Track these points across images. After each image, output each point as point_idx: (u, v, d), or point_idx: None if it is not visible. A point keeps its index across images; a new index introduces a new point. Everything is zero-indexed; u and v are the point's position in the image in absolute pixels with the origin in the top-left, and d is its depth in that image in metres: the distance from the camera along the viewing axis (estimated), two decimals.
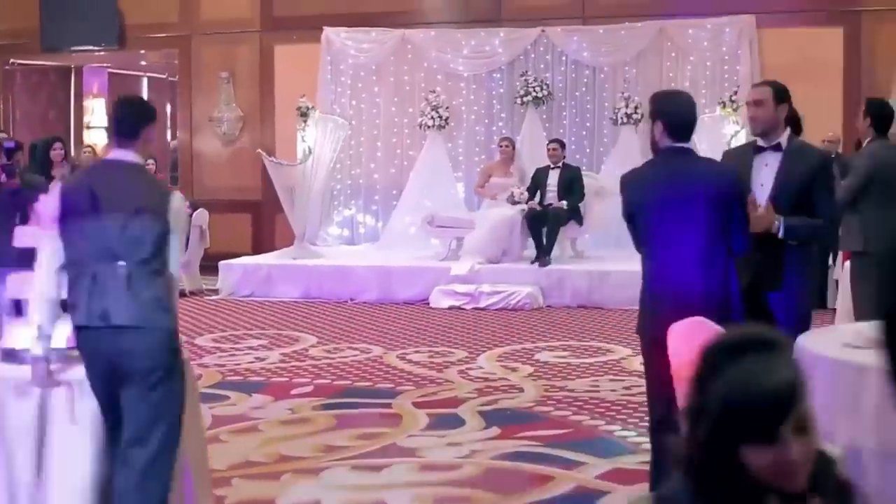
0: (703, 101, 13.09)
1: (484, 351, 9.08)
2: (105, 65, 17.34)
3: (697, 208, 4.55)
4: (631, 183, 4.86)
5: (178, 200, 4.29)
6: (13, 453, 4.30)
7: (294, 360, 8.86)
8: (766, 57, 12.89)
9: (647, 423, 6.48)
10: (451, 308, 11.44)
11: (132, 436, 4.12)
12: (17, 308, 4.89)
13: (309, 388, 7.79)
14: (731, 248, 4.61)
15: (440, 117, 13.38)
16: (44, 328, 4.17)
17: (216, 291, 12.76)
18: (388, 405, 7.26)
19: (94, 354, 4.17)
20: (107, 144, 15.08)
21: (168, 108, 17.27)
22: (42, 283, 4.19)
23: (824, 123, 12.65)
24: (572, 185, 11.93)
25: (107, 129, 16.10)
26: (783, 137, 5.03)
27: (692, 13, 13.18)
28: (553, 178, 12.08)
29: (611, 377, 8.07)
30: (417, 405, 7.23)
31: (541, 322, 10.55)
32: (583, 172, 12.34)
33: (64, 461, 4.27)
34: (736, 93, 11.75)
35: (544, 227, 11.79)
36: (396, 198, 14.21)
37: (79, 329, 4.17)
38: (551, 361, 8.69)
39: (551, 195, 12.00)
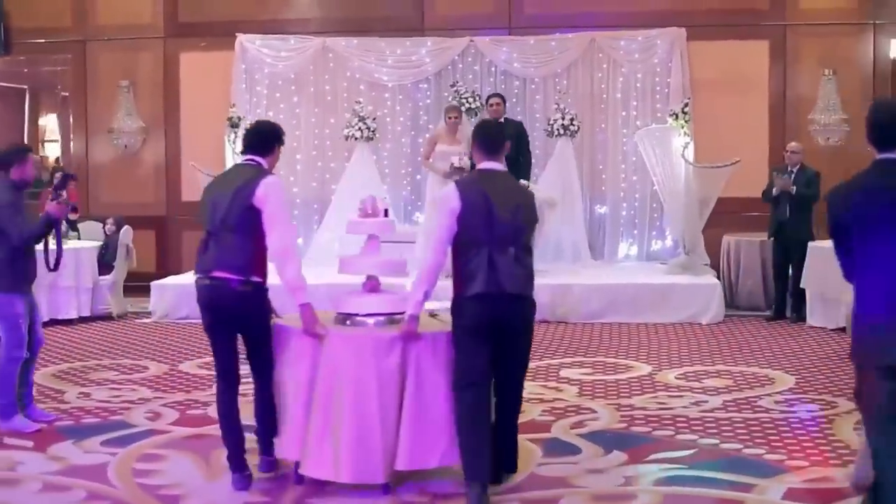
0: (635, 113, 13.25)
1: None
2: None
3: None
4: (842, 198, 4.43)
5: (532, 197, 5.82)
6: (383, 391, 5.46)
7: None
8: (695, 69, 13.08)
9: (761, 441, 6.47)
10: None
11: (509, 376, 5.62)
12: None
13: None
14: None
15: (367, 128, 12.93)
16: (428, 293, 5.45)
17: (147, 314, 11.90)
18: None
19: (486, 315, 5.35)
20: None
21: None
22: (431, 257, 5.46)
23: (750, 133, 13.02)
24: (518, 142, 11.26)
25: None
26: None
27: (620, 25, 13.24)
28: None
29: (668, 394, 7.92)
30: None
31: None
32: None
33: (425, 397, 5.50)
34: (687, 105, 11.81)
35: None
36: (318, 212, 13.67)
37: (478, 295, 5.32)
38: (583, 379, 8.48)
39: None
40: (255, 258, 5.55)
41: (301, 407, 5.59)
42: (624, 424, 7.04)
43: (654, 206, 13.21)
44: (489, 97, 12.17)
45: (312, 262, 12.87)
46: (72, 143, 14.32)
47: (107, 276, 11.91)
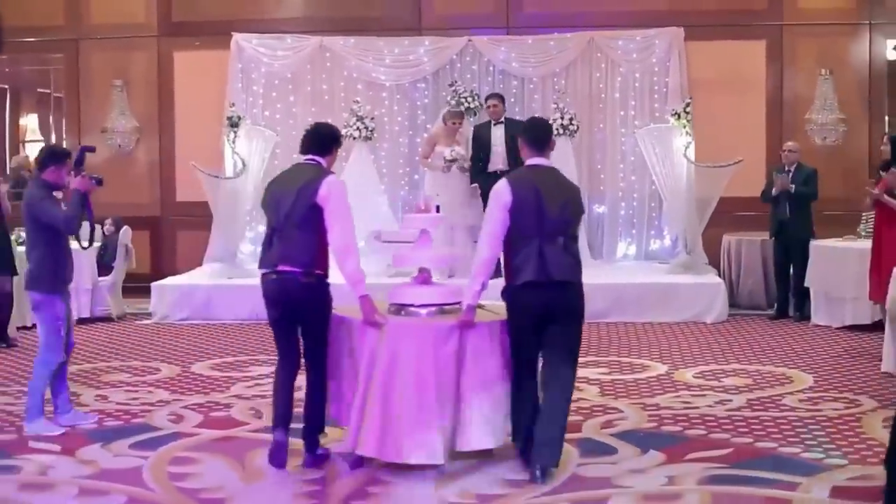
0: (633, 112, 13.26)
1: None
2: None
3: None
4: None
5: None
6: (441, 376, 5.75)
7: None
8: (692, 69, 13.10)
9: (794, 439, 6.48)
10: None
11: (559, 359, 5.81)
12: None
13: None
14: None
15: (366, 128, 12.84)
16: (485, 284, 5.78)
17: (147, 315, 11.79)
18: None
19: (537, 301, 5.71)
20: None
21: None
22: (486, 250, 5.79)
23: (748, 133, 13.07)
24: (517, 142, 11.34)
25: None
26: None
27: (618, 25, 13.24)
28: (498, 136, 11.57)
29: (691, 393, 7.92)
30: None
31: None
32: None
33: (481, 383, 5.83)
34: (689, 104, 11.82)
35: None
36: None
37: (529, 283, 5.68)
38: (602, 378, 8.47)
39: (498, 155, 11.50)
40: (318, 253, 5.84)
41: (363, 394, 5.82)
42: (654, 424, 7.03)
43: (653, 206, 13.24)
44: (487, 98, 12.14)
45: None
46: (64, 143, 14.11)
47: (106, 277, 11.78)
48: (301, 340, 6.06)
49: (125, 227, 12.07)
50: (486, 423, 5.85)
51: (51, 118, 14.28)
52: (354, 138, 12.83)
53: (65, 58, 14.01)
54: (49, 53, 14.07)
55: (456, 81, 13.12)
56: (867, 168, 13.21)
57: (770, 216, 11.57)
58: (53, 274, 6.86)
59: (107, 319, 11.71)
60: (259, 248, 12.98)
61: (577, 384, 7.98)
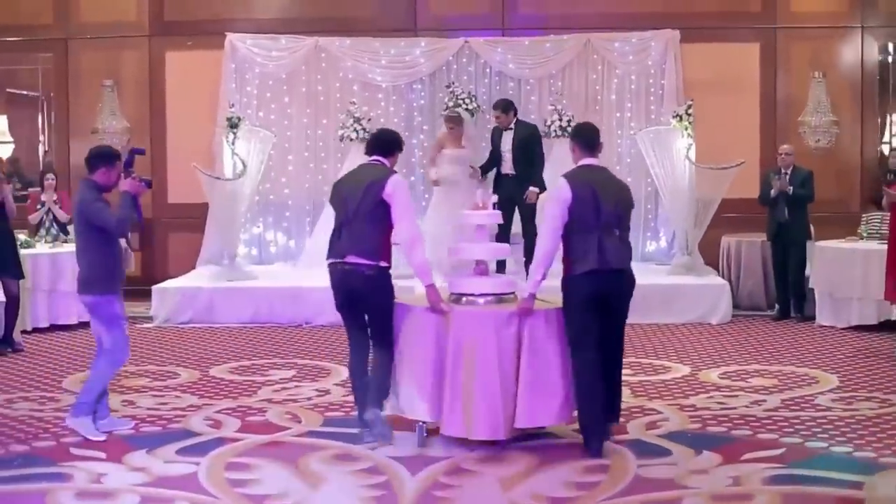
0: (629, 114, 13.30)
1: None
2: None
3: None
4: None
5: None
6: (502, 359, 6.29)
7: None
8: (687, 71, 13.17)
9: (841, 438, 6.53)
10: None
11: (616, 340, 6.55)
12: None
13: None
14: None
15: (363, 129, 12.75)
16: (545, 274, 6.32)
17: (147, 318, 11.63)
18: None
19: (597, 288, 6.27)
20: None
21: None
22: (549, 243, 6.32)
23: (742, 135, 13.16)
24: (528, 146, 11.21)
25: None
26: None
27: (612, 27, 13.28)
28: (507, 141, 11.37)
29: (723, 394, 7.96)
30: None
31: None
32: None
33: (539, 365, 6.35)
34: (690, 106, 11.87)
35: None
36: (310, 213, 13.50)
37: (591, 272, 6.23)
38: (628, 380, 8.46)
39: (507, 161, 11.35)
40: (383, 245, 6.41)
41: (430, 375, 6.36)
42: (698, 425, 7.04)
43: (649, 208, 13.29)
44: (493, 107, 11.88)
45: (303, 265, 12.74)
46: (48, 144, 13.90)
47: None
48: (366, 326, 6.61)
49: None
50: (543, 403, 6.34)
51: (40, 119, 13.95)
52: (351, 139, 12.76)
53: (53, 57, 13.77)
54: (36, 52, 13.79)
55: (453, 83, 13.07)
56: (860, 170, 13.40)
57: (767, 219, 11.66)
58: (108, 275, 6.79)
59: None
60: (253, 250, 13.07)
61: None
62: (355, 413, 6.86)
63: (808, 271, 11.44)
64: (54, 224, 11.85)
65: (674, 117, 11.98)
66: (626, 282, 6.46)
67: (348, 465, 6.15)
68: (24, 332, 10.49)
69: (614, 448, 6.42)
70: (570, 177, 6.40)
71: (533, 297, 6.36)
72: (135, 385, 8.44)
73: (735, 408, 7.49)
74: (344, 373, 8.69)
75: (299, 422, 7.19)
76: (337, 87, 13.45)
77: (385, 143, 6.76)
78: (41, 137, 14.01)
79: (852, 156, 13.37)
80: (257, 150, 12.25)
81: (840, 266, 10.76)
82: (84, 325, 11.17)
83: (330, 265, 6.55)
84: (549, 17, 13.47)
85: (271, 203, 13.50)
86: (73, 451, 6.53)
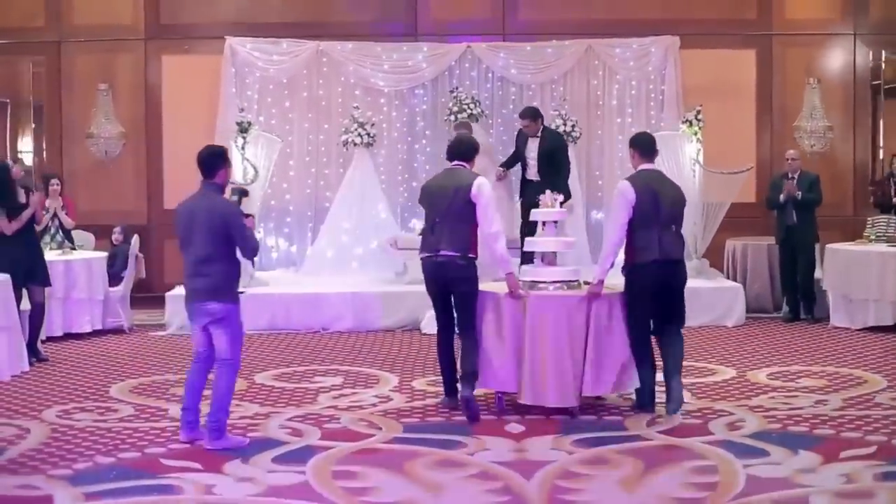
0: (630, 119, 13.42)
1: None
2: None
3: None
4: None
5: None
6: (573, 337, 7.27)
7: None
8: (686, 77, 13.34)
9: None
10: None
11: (677, 322, 7.53)
12: None
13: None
14: None
15: (368, 134, 12.71)
16: (613, 264, 7.35)
17: (156, 326, 11.44)
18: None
19: (658, 275, 7.28)
20: None
21: None
22: (616, 236, 7.35)
23: (739, 140, 13.37)
24: (554, 155, 10.92)
25: None
26: None
27: (612, 33, 13.40)
28: (532, 149, 11.06)
29: (784, 395, 8.07)
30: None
31: None
32: None
33: (603, 342, 7.32)
34: (699, 112, 12.00)
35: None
36: (312, 219, 13.40)
37: (653, 261, 7.23)
38: (684, 382, 8.54)
39: (531, 168, 11.09)
40: (470, 239, 7.33)
41: (509, 352, 7.32)
42: (778, 425, 7.13)
43: None
44: (520, 115, 11.42)
45: (305, 272, 12.64)
46: (45, 149, 13.61)
47: (117, 288, 11.37)
48: (453, 310, 7.45)
49: (135, 236, 11.68)
50: (606, 375, 7.30)
51: (31, 124, 13.64)
52: (356, 144, 12.70)
53: (46, 60, 13.48)
54: (29, 56, 13.48)
55: (457, 88, 13.08)
56: (853, 174, 13.68)
57: (776, 222, 11.86)
58: (235, 283, 6.74)
59: (119, 331, 11.30)
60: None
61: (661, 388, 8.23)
62: (433, 419, 7.15)
63: (817, 274, 11.65)
64: (60, 231, 11.56)
65: (683, 122, 12.11)
66: (681, 270, 7.47)
67: (457, 471, 6.11)
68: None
69: (710, 449, 6.48)
70: (633, 179, 7.38)
71: (602, 283, 7.28)
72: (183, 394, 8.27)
73: (802, 408, 7.60)
74: (393, 380, 8.72)
75: (379, 428, 7.13)
76: (339, 92, 13.38)
77: (466, 150, 7.66)
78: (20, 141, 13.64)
79: (845, 160, 13.66)
80: (264, 154, 12.12)
81: (857, 268, 10.98)
82: (97, 333, 11.02)
83: (424, 258, 7.48)
84: (548, 23, 13.54)
85: (272, 208, 13.35)
86: (164, 461, 6.39)
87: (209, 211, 6.64)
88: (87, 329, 11.00)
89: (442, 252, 7.33)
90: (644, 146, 7.56)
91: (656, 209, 7.25)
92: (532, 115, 11.22)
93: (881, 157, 13.58)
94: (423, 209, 7.63)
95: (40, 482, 5.99)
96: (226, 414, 6.76)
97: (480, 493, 5.75)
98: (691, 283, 11.70)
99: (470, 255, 7.33)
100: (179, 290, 11.70)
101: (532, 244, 7.89)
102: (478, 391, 7.52)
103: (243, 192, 7.06)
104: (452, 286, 7.37)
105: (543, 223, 7.92)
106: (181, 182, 12.36)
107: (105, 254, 11.54)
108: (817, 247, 11.76)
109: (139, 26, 13.50)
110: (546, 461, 6.32)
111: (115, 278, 11.46)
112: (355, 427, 7.21)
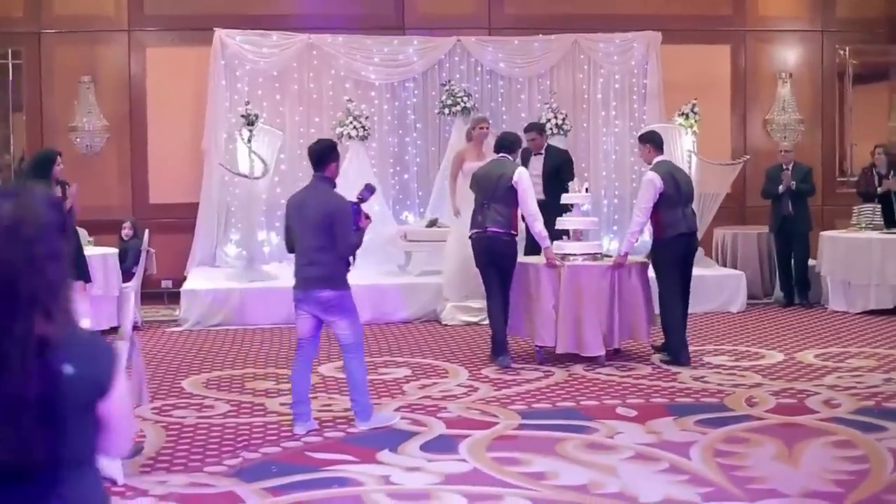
0: (614, 113, 13.74)
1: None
2: None
3: None
4: None
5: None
6: (601, 299, 8.87)
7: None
8: (665, 72, 13.72)
9: None
10: (468, 324, 11.05)
11: (689, 286, 9.18)
12: None
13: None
14: None
15: (362, 127, 12.73)
16: (637, 239, 9.06)
17: (170, 322, 11.27)
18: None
19: (684, 246, 8.95)
20: None
21: None
22: (642, 216, 8.89)
23: (716, 132, 13.82)
24: (559, 174, 10.89)
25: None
26: None
27: (596, 28, 13.68)
28: (536, 166, 11.07)
29: (850, 374, 8.46)
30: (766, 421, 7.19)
31: None
32: None
33: (627, 304, 8.93)
34: (695, 105, 12.37)
35: None
36: None
37: (680, 234, 8.83)
38: (737, 365, 8.91)
39: (536, 185, 11.24)
40: (512, 219, 8.84)
41: (548, 312, 8.82)
42: (872, 402, 7.50)
43: (634, 203, 13.72)
44: (525, 129, 11.36)
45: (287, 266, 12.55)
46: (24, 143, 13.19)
47: (129, 283, 11.13)
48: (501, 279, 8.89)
49: (146, 231, 11.46)
50: (630, 329, 8.93)
51: (10, 117, 13.20)
52: (351, 137, 12.69)
53: (25, 52, 13.06)
54: (7, 47, 13.04)
55: (449, 81, 13.18)
56: (821, 166, 14.28)
57: (772, 212, 12.35)
58: (346, 272, 6.83)
59: (134, 328, 11.02)
60: (244, 251, 12.78)
61: (728, 371, 8.55)
62: (537, 405, 7.49)
63: (812, 261, 12.18)
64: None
65: (679, 115, 12.47)
66: (696, 241, 9.38)
67: (613, 454, 6.27)
68: None
69: (832, 426, 6.80)
70: (656, 169, 8.88)
71: (626, 255, 8.86)
72: (262, 388, 8.25)
73: (878, 385, 8.01)
74: (463, 373, 8.78)
75: (495, 416, 7.22)
76: (329, 85, 13.34)
77: (510, 143, 9.22)
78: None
79: (814, 152, 14.25)
80: (267, 148, 12.01)
81: (858, 254, 11.53)
82: (115, 329, 10.73)
83: (473, 234, 9.00)
84: (533, 18, 13.76)
85: (263, 202, 13.19)
86: (309, 454, 6.39)
87: (317, 206, 6.74)
88: (105, 326, 10.73)
89: (489, 229, 8.82)
90: (657, 141, 9.23)
91: (678, 191, 8.82)
92: (539, 129, 11.34)
93: (848, 148, 14.20)
94: (473, 193, 9.07)
95: (207, 479, 5.92)
96: (365, 397, 6.90)
97: (654, 474, 5.91)
98: (697, 271, 12.22)
99: (512, 232, 8.85)
100: (193, 285, 11.62)
101: (563, 223, 9.34)
102: (513, 346, 9.21)
103: (371, 190, 7.06)
104: (500, 258, 8.84)
105: (571, 205, 9.37)
106: (166, 176, 12.32)
107: (116, 249, 11.29)
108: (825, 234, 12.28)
109: (122, 17, 13.20)
110: (686, 441, 6.52)
111: (126, 274, 11.22)
112: (470, 416, 7.29)
